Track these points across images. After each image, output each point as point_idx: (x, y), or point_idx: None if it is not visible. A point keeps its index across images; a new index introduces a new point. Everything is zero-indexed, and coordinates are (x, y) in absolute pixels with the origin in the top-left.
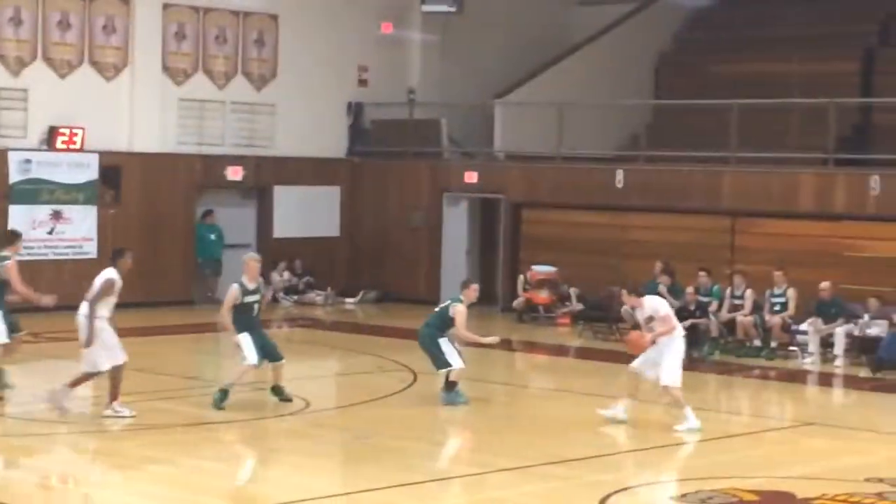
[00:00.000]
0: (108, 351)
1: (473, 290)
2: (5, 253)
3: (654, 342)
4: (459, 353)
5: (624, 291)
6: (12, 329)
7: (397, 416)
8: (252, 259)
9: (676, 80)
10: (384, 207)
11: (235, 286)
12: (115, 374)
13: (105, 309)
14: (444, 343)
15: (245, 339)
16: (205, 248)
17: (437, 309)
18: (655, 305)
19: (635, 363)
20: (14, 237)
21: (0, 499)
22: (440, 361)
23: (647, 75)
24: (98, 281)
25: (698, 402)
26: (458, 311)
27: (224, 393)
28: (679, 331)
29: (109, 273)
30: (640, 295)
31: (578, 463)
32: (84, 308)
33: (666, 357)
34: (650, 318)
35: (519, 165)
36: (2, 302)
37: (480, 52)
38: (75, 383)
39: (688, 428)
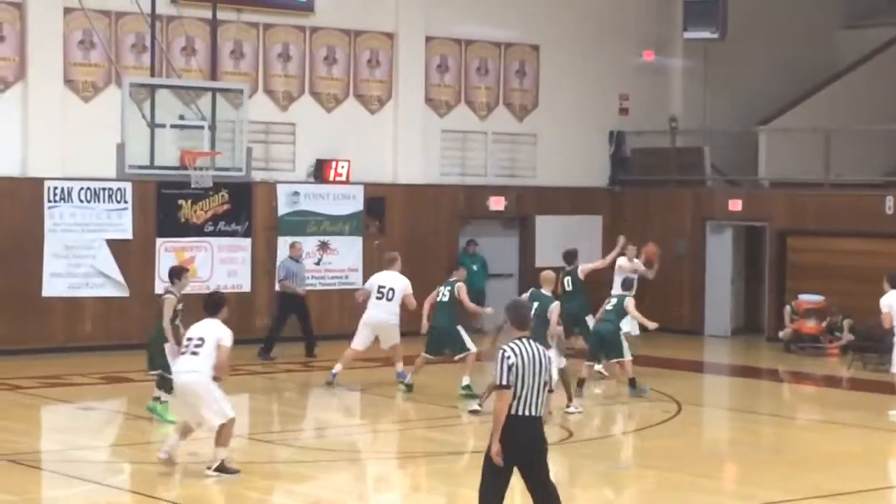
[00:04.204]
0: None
1: None
2: None
3: None
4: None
5: None
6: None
7: (660, 446)
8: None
9: None
10: (646, 236)
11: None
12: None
13: None
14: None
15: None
16: (468, 279)
17: (608, 307)
18: None
19: None
20: None
21: None
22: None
23: None
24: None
25: None
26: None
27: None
28: None
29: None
30: None
31: (847, 497)
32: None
33: None
34: None
35: (784, 192)
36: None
37: (743, 78)
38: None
39: None
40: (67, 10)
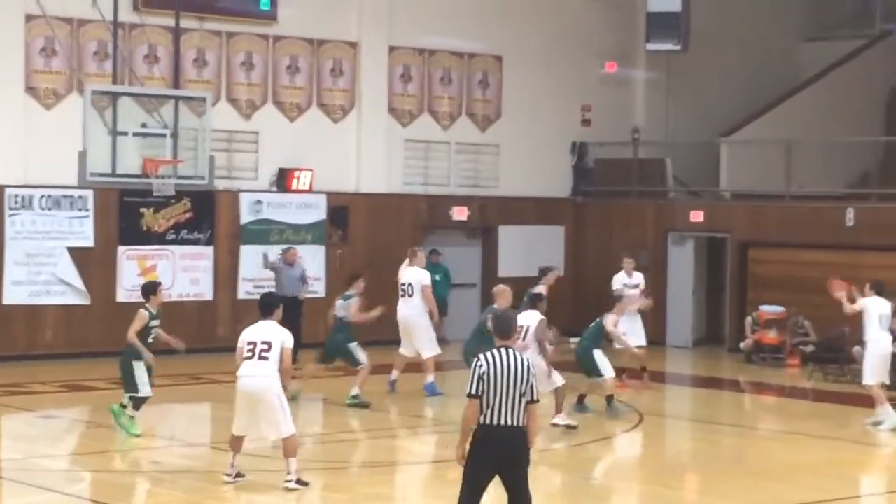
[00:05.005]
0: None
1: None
2: None
3: None
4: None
5: None
6: None
7: (622, 457)
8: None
9: None
10: (608, 247)
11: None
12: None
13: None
14: (598, 354)
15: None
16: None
17: (590, 326)
18: None
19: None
20: None
21: None
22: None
23: (878, 110)
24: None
25: None
26: (610, 320)
27: None
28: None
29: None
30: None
31: None
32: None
33: None
34: None
35: (745, 204)
36: None
37: (705, 90)
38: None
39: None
40: (29, 17)
